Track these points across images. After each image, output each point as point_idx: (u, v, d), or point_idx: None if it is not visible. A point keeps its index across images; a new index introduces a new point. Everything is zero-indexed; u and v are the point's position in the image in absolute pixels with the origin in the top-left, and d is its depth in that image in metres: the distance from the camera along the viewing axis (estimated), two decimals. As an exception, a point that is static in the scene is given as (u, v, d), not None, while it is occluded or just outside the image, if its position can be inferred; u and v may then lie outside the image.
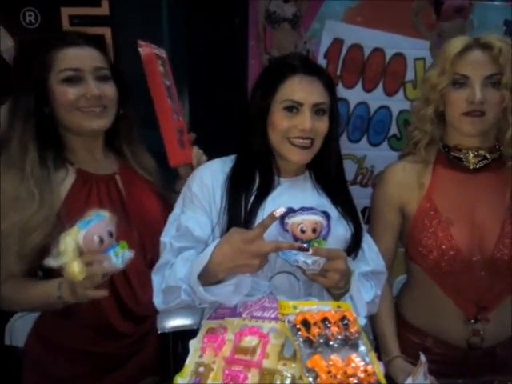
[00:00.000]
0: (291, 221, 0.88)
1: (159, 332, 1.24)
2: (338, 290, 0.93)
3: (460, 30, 1.77)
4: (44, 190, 0.96)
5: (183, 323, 1.31)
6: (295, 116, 0.96)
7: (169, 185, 1.23)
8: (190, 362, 0.77)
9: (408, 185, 1.11)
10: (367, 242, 1.04)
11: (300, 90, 0.95)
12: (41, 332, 1.09)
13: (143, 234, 1.06)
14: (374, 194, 1.19)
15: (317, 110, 0.96)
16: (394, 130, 1.77)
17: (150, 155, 1.19)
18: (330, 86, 1.00)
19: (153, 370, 1.18)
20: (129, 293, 1.04)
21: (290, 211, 0.89)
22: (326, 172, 1.04)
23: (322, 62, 1.69)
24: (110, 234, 0.80)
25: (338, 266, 0.87)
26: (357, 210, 1.07)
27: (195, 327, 1.31)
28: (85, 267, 0.79)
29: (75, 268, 0.78)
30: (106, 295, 0.85)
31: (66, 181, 1.02)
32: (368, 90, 1.73)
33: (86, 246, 0.79)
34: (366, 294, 0.97)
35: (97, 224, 0.80)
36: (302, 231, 0.87)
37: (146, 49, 1.11)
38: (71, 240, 0.79)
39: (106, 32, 1.51)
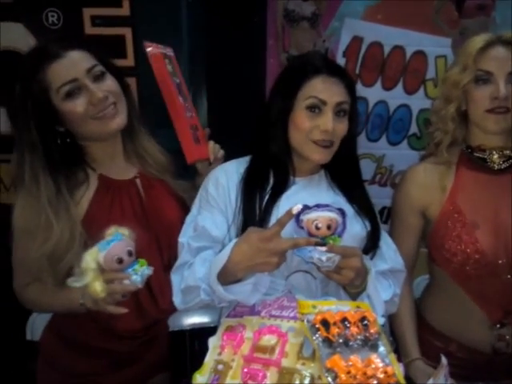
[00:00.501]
0: (306, 218, 0.88)
1: (176, 330, 1.26)
2: (354, 289, 0.93)
3: (482, 28, 1.74)
4: (63, 216, 0.95)
5: (200, 321, 1.33)
6: (318, 116, 0.95)
7: (186, 182, 1.23)
8: (209, 360, 0.78)
9: (430, 187, 1.09)
10: (385, 241, 1.04)
11: (324, 89, 0.95)
12: (55, 327, 1.10)
13: (162, 238, 1.07)
14: (395, 195, 1.17)
15: (338, 110, 0.96)
16: (413, 128, 1.75)
17: (164, 153, 1.19)
18: (351, 87, 1.00)
19: (164, 367, 1.19)
20: (148, 297, 1.05)
21: (305, 208, 0.89)
22: (342, 170, 1.03)
23: (340, 60, 1.68)
24: (130, 253, 0.84)
25: (353, 264, 0.87)
26: (374, 208, 1.06)
27: (212, 325, 1.34)
28: (106, 286, 0.83)
29: (97, 287, 0.83)
30: (126, 312, 0.88)
31: (89, 189, 1.02)
32: (387, 88, 1.71)
33: (106, 265, 0.83)
34: (384, 292, 0.96)
35: (116, 245, 0.83)
36: (317, 228, 0.87)
37: (152, 49, 1.12)
38: (92, 260, 0.83)
39: (127, 32, 1.52)
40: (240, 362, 0.75)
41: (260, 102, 1.70)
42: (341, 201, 1.00)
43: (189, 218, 1.04)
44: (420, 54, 1.71)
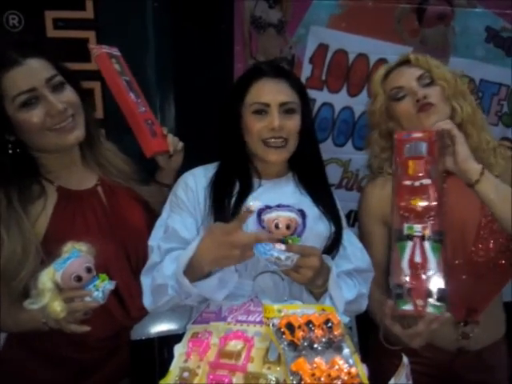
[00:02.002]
0: (267, 217, 0.92)
1: (144, 338, 1.25)
2: (316, 288, 0.96)
3: (442, 37, 1.81)
4: (14, 231, 0.92)
5: (168, 328, 1.31)
6: (264, 117, 1.01)
7: (153, 186, 1.22)
8: (175, 367, 0.77)
9: (387, 197, 1.12)
10: (350, 241, 1.07)
11: (266, 92, 1.01)
12: (18, 337, 1.07)
13: (128, 245, 1.06)
14: (358, 211, 1.25)
15: (285, 109, 1.01)
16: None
17: (127, 161, 1.18)
18: (298, 87, 1.05)
19: (125, 374, 1.18)
20: (117, 305, 1.03)
21: (267, 208, 0.93)
22: (307, 172, 1.07)
23: (307, 66, 1.70)
24: (88, 270, 0.83)
25: (312, 263, 0.90)
26: (338, 208, 1.10)
27: (180, 332, 1.33)
28: (65, 305, 0.82)
29: (56, 307, 0.82)
30: (87, 330, 0.87)
31: (47, 203, 0.98)
32: (353, 94, 1.75)
33: (64, 284, 0.82)
34: (348, 292, 0.98)
35: (74, 262, 0.82)
36: (277, 227, 0.90)
37: (96, 50, 1.13)
38: (48, 280, 0.81)
39: (91, 36, 1.49)
40: (206, 368, 0.75)
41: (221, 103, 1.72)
42: (306, 202, 1.03)
43: (158, 222, 1.05)
44: (383, 62, 1.75)
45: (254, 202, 0.85)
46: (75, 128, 0.98)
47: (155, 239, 1.02)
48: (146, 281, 0.98)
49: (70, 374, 1.06)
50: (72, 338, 0.93)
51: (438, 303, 0.91)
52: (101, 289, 0.82)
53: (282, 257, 0.86)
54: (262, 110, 1.01)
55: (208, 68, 1.64)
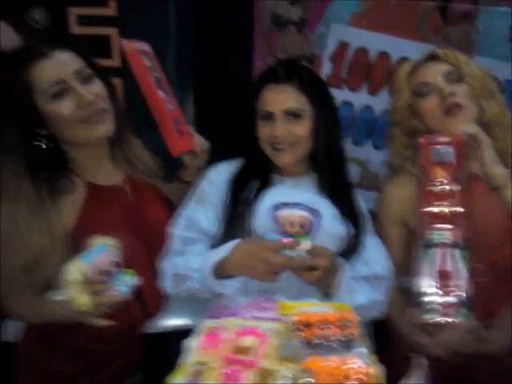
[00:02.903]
0: (280, 214, 0.93)
1: (154, 331, 1.25)
2: (326, 289, 0.95)
3: (465, 35, 1.77)
4: (43, 225, 0.93)
5: (177, 323, 1.32)
6: (271, 123, 1.02)
7: (177, 185, 1.22)
8: (187, 362, 0.76)
9: (408, 198, 1.10)
10: (372, 245, 1.05)
11: (271, 100, 1.02)
12: (35, 328, 1.08)
13: (150, 242, 1.06)
14: (377, 212, 1.20)
15: (290, 115, 1.01)
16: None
17: (154, 158, 1.18)
18: (310, 89, 1.03)
19: (137, 368, 1.18)
20: (137, 301, 1.03)
21: (282, 205, 0.94)
22: (326, 172, 1.06)
23: (327, 65, 1.69)
24: (116, 265, 0.84)
25: (321, 263, 0.89)
26: (359, 211, 1.07)
27: (189, 327, 1.34)
28: (91, 298, 0.82)
29: (82, 300, 0.82)
30: (109, 324, 0.87)
31: (76, 198, 0.99)
32: (373, 93, 1.73)
33: (92, 277, 0.82)
34: (361, 296, 0.97)
35: (101, 256, 0.82)
36: (289, 225, 0.91)
37: (128, 46, 1.12)
38: (76, 273, 0.81)
39: (113, 32, 1.51)
40: (219, 363, 0.74)
41: (240, 104, 1.72)
42: (324, 202, 1.02)
43: (181, 211, 1.08)
44: (405, 61, 1.72)
45: (305, 243, 0.87)
46: (104, 121, 0.98)
47: (176, 227, 1.05)
48: (165, 266, 1.02)
49: (85, 367, 1.07)
50: (88, 331, 0.93)
51: (467, 311, 0.89)
52: (126, 284, 0.83)
53: (293, 255, 0.87)
54: (268, 117, 1.02)
55: (228, 65, 1.65)
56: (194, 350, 0.78)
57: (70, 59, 0.96)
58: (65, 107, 0.94)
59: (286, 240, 0.89)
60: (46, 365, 1.06)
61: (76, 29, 1.50)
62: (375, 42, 1.69)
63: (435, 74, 1.09)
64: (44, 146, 0.98)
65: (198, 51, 1.66)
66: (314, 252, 0.89)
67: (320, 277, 0.90)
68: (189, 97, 1.66)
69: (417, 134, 1.12)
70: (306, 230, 0.91)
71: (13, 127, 0.94)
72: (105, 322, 0.86)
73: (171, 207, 1.16)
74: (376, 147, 1.75)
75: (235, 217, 1.01)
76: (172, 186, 1.20)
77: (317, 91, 1.04)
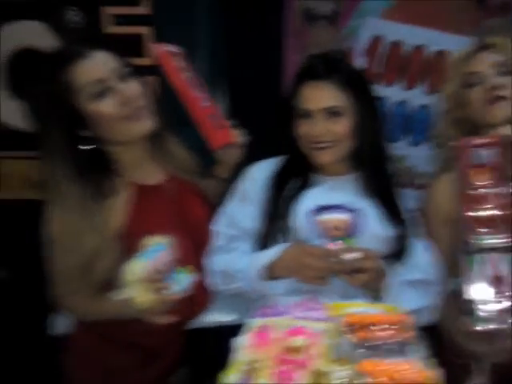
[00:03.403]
0: (319, 218, 0.92)
1: (198, 326, 1.26)
2: (371, 292, 0.92)
3: (504, 28, 1.71)
4: (90, 226, 0.94)
5: (221, 319, 1.32)
6: (310, 121, 1.00)
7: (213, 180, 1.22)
8: (238, 360, 0.76)
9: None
10: (420, 248, 1.02)
11: (309, 98, 1.00)
12: (91, 323, 1.08)
13: (194, 239, 1.06)
14: (424, 210, 1.15)
15: (329, 112, 0.98)
16: (435, 129, 1.72)
17: (191, 154, 1.19)
18: (350, 85, 1.00)
19: (182, 363, 1.19)
20: (187, 301, 1.00)
21: (320, 209, 0.92)
22: (369, 171, 1.04)
23: (360, 59, 1.66)
24: (172, 262, 0.84)
25: (368, 266, 0.87)
26: (403, 214, 1.04)
27: (232, 323, 1.34)
28: (151, 296, 0.83)
29: (142, 299, 0.83)
30: (171, 321, 0.89)
31: (121, 198, 0.99)
32: (408, 88, 1.69)
33: (150, 276, 0.83)
34: (408, 302, 0.92)
35: (159, 255, 0.83)
36: (330, 229, 0.90)
37: (158, 49, 1.13)
38: (135, 271, 0.83)
39: (146, 31, 1.52)
40: (270, 362, 0.73)
41: (278, 101, 1.71)
42: (367, 202, 0.99)
43: (222, 208, 1.09)
44: (441, 54, 1.68)
45: (352, 254, 0.85)
46: (145, 118, 0.98)
47: (218, 224, 1.06)
48: (213, 263, 1.03)
49: (136, 361, 1.08)
50: (140, 326, 0.94)
51: None
52: (184, 281, 0.84)
53: (335, 258, 0.86)
54: (307, 115, 1.00)
55: (260, 61, 1.63)
56: (244, 348, 0.77)
57: (107, 58, 0.97)
58: (106, 106, 0.94)
59: (331, 246, 0.88)
60: (99, 358, 1.07)
61: (109, 28, 1.51)
62: (410, 35, 1.65)
63: (486, 64, 1.05)
64: (87, 148, 0.98)
65: (231, 49, 1.65)
66: (359, 255, 0.88)
67: (366, 280, 0.88)
68: (223, 95, 1.66)
69: (464, 127, 1.09)
70: (348, 232, 0.89)
71: (57, 129, 0.95)
72: (165, 320, 0.87)
73: (208, 203, 1.16)
74: (412, 144, 1.71)
75: (276, 215, 1.00)
76: (208, 182, 1.19)
77: (357, 87, 1.01)
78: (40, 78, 0.99)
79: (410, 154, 1.70)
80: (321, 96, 0.99)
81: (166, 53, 1.13)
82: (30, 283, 1.50)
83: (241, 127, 1.28)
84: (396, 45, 1.66)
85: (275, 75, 1.62)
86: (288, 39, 1.67)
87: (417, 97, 1.68)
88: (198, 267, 1.04)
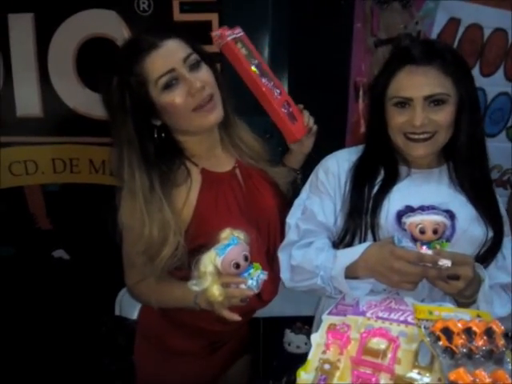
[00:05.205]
0: (409, 221, 0.86)
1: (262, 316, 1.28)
2: (463, 299, 0.87)
3: None
4: (155, 215, 0.94)
5: (285, 310, 1.34)
6: (407, 110, 0.91)
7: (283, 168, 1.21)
8: (314, 358, 0.75)
9: None
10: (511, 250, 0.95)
11: (409, 84, 0.90)
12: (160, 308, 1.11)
13: (262, 228, 1.06)
14: (510, 204, 1.08)
15: (432, 101, 0.90)
16: (514, 119, 1.61)
17: (259, 140, 1.17)
18: (454, 71, 0.91)
19: (244, 351, 1.22)
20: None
21: (409, 210, 0.86)
22: (464, 164, 0.96)
23: (434, 44, 1.57)
24: (246, 258, 0.84)
25: (463, 273, 0.81)
26: (500, 212, 0.97)
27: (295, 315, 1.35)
28: (224, 290, 0.84)
29: (215, 291, 0.84)
30: (239, 319, 0.89)
31: (193, 185, 1.00)
32: (486, 74, 1.58)
33: (223, 270, 0.84)
34: (500, 307, 0.88)
35: (233, 249, 0.83)
36: (422, 232, 0.84)
37: (221, 40, 1.09)
38: (210, 264, 0.84)
39: (214, 18, 1.51)
40: (348, 363, 0.72)
41: (343, 88, 1.65)
42: (460, 200, 0.93)
43: (297, 201, 1.06)
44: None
45: (444, 261, 0.80)
46: (215, 108, 0.98)
47: (293, 218, 1.03)
48: (283, 257, 1.00)
49: (204, 345, 1.11)
50: (209, 313, 0.95)
51: None
52: (255, 277, 0.84)
53: (429, 264, 0.81)
54: (403, 103, 0.91)
55: (326, 47, 1.57)
56: (320, 346, 0.76)
57: (178, 47, 0.97)
58: (178, 96, 0.95)
59: (424, 249, 0.82)
60: (168, 342, 1.11)
61: (179, 16, 1.51)
62: (490, 17, 1.54)
63: None
64: (155, 136, 1.00)
65: (296, 33, 1.60)
66: (455, 260, 0.81)
67: (462, 287, 0.82)
68: (284, 81, 1.62)
69: None
70: (442, 235, 0.84)
71: (129, 118, 0.96)
72: (233, 316, 0.88)
73: (278, 191, 1.14)
74: (487, 134, 1.60)
75: (358, 210, 0.95)
76: (279, 169, 1.18)
77: (460, 73, 0.92)
78: (114, 67, 1.00)
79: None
80: (423, 82, 0.89)
81: (229, 42, 1.09)
82: (99, 266, 1.57)
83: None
84: (474, 28, 1.55)
85: (343, 62, 1.56)
86: (356, 23, 1.60)
87: (494, 84, 1.57)
88: (266, 258, 1.05)
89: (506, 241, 0.96)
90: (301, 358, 0.76)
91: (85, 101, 1.60)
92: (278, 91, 1.15)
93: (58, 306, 1.70)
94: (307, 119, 1.15)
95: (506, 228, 0.98)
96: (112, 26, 1.54)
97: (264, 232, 1.06)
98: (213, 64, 1.04)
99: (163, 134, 1.01)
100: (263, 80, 1.12)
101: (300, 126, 1.14)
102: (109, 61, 1.05)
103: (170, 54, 0.95)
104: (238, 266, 0.83)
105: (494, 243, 0.93)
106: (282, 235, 1.06)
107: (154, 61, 0.94)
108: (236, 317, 0.88)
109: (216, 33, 1.10)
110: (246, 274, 0.84)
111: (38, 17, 1.53)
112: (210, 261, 0.83)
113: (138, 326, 1.18)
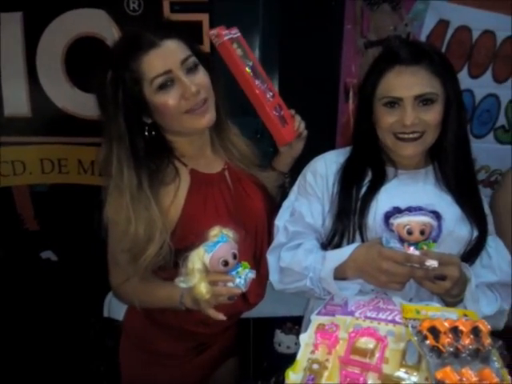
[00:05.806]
0: (397, 222, 0.86)
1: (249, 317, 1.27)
2: (450, 299, 0.88)
3: None
4: (141, 213, 0.93)
5: (272, 311, 1.34)
6: (397, 110, 0.92)
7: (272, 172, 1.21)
8: (302, 358, 0.75)
9: None
10: (497, 249, 0.96)
11: (398, 84, 0.91)
12: (146, 309, 1.10)
13: (249, 231, 1.06)
14: (494, 202, 1.10)
15: (422, 100, 0.90)
16: (501, 120, 1.63)
17: (250, 145, 1.17)
18: (441, 71, 0.92)
19: (232, 352, 1.21)
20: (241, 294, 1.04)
21: (396, 211, 0.87)
22: (450, 165, 0.96)
23: (423, 45, 1.58)
24: (234, 256, 0.84)
25: (450, 273, 0.82)
26: (485, 212, 0.98)
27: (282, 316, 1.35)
28: (211, 288, 0.84)
29: (202, 289, 0.84)
30: (224, 319, 0.88)
31: (181, 185, 0.99)
32: (474, 76, 1.59)
33: (211, 267, 0.83)
34: (487, 306, 0.89)
35: (222, 246, 0.83)
36: (409, 233, 0.85)
37: (218, 38, 1.08)
38: (198, 261, 0.83)
39: (204, 18, 1.50)
40: (336, 362, 0.73)
41: (333, 89, 1.66)
42: (446, 200, 0.94)
43: (286, 203, 1.06)
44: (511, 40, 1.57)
45: (431, 262, 0.80)
46: (207, 111, 0.98)
47: (282, 220, 1.03)
48: (272, 259, 1.01)
49: (189, 347, 1.11)
50: (194, 315, 0.95)
51: None
52: (243, 276, 0.83)
53: (417, 265, 0.81)
54: (393, 103, 0.92)
55: (315, 49, 1.58)
56: (308, 346, 0.76)
57: (177, 48, 0.96)
58: (171, 98, 0.94)
59: (411, 250, 0.82)
60: (153, 344, 1.10)
61: (169, 16, 1.50)
62: (479, 19, 1.55)
63: None
64: (146, 134, 0.99)
65: (286, 34, 1.61)
66: (442, 261, 0.82)
67: (449, 287, 0.82)
68: (274, 79, 1.62)
69: None
70: (427, 236, 0.85)
71: (121, 115, 0.95)
72: (220, 316, 0.87)
73: (267, 195, 1.14)
74: (475, 135, 1.62)
75: (346, 212, 0.95)
76: (268, 173, 1.18)
77: (446, 73, 0.93)
78: (110, 61, 0.98)
79: (473, 147, 1.62)
80: (412, 82, 0.90)
81: (225, 42, 1.09)
82: (87, 267, 1.56)
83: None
84: (463, 30, 1.56)
85: (334, 63, 1.57)
86: (346, 25, 1.60)
87: (482, 86, 1.58)
88: (253, 259, 1.04)
89: (491, 239, 0.97)
90: (291, 358, 0.76)
91: (74, 100, 1.59)
92: (271, 93, 1.15)
93: (46, 308, 1.68)
94: (298, 123, 1.16)
95: (490, 227, 0.99)
96: (101, 26, 1.53)
97: (251, 235, 1.06)
98: (210, 65, 1.03)
99: (154, 132, 1.00)
100: (256, 82, 1.12)
101: (290, 129, 1.14)
102: (100, 58, 1.03)
103: (169, 54, 0.94)
104: (226, 263, 0.82)
105: (479, 242, 0.94)
106: (270, 239, 1.06)
107: (152, 60, 0.93)
108: (221, 316, 0.88)
109: (213, 32, 1.10)
110: (234, 272, 0.83)
111: (26, 16, 1.51)
112: (199, 258, 0.83)
113: (123, 327, 1.17)
